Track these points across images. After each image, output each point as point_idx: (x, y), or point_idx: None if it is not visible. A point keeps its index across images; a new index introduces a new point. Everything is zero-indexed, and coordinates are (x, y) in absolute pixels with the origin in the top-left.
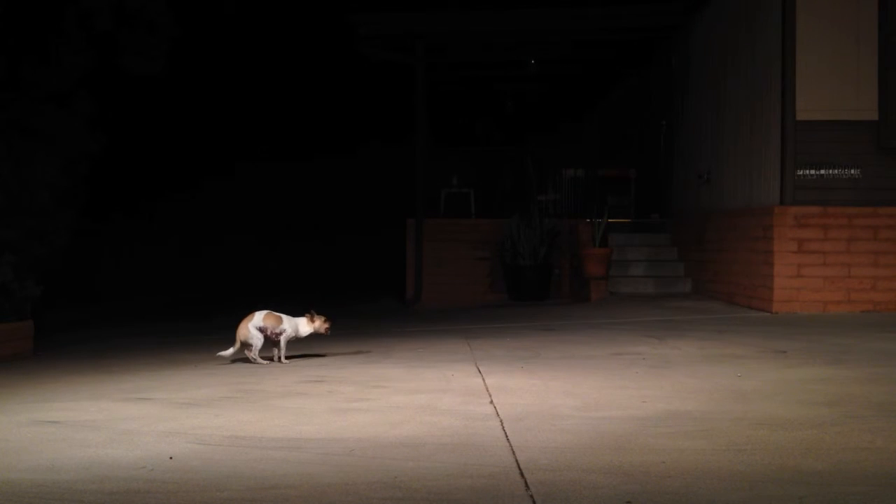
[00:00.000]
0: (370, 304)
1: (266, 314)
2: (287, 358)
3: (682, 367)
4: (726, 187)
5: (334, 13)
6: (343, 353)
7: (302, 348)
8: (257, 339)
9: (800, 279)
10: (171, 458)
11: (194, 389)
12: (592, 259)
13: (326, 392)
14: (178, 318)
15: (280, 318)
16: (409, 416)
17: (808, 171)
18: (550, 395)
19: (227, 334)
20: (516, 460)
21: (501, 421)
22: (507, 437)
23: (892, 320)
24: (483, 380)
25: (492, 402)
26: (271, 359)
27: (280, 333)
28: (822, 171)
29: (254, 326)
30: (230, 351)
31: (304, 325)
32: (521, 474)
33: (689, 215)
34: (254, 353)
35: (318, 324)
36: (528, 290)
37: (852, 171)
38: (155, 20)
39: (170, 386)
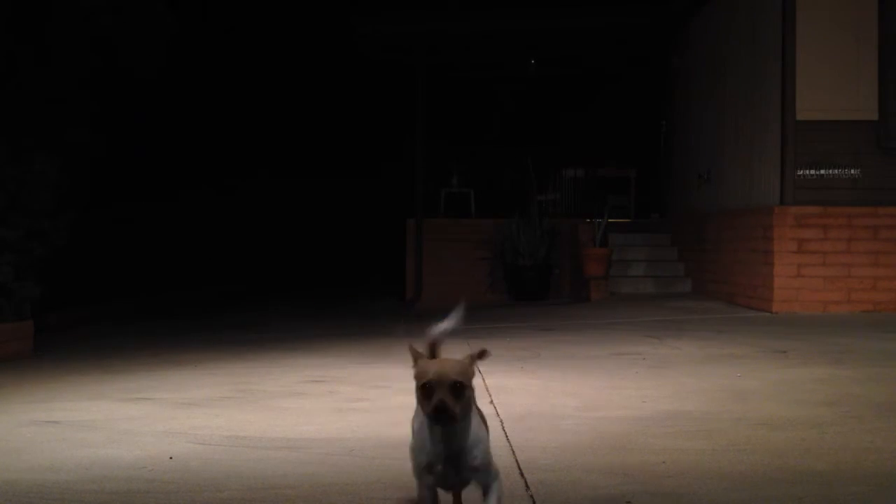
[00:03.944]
0: (370, 303)
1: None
2: (286, 358)
3: (682, 367)
4: (726, 187)
5: (334, 13)
6: (343, 353)
7: (299, 348)
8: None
9: (800, 279)
10: (171, 458)
11: (194, 389)
12: (592, 259)
13: (326, 392)
14: (179, 317)
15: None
16: (410, 416)
17: (808, 171)
18: (550, 395)
19: (229, 334)
20: (516, 460)
21: (501, 421)
22: (507, 436)
23: (892, 320)
24: (483, 380)
25: (492, 401)
26: None
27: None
28: (822, 171)
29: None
30: None
31: None
32: (521, 474)
33: (689, 215)
34: None
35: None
36: (528, 290)
37: (852, 171)
38: (155, 20)
39: (170, 386)
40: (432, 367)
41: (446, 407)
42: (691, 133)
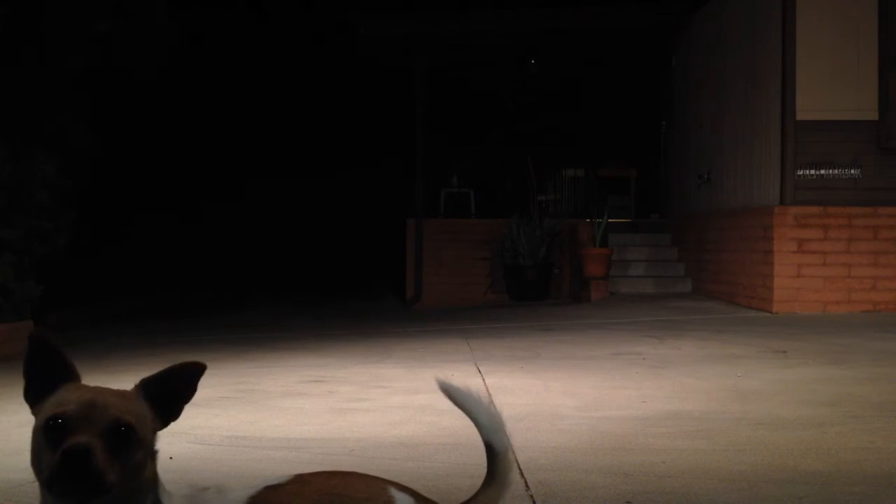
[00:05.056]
0: (370, 303)
1: None
2: (286, 358)
3: (682, 367)
4: (726, 187)
5: (334, 14)
6: (343, 353)
7: (299, 348)
8: None
9: (800, 279)
10: (171, 458)
11: None
12: (592, 259)
13: (326, 392)
14: (178, 317)
15: None
16: (409, 416)
17: (808, 171)
18: (550, 395)
19: (228, 334)
20: (516, 460)
21: None
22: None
23: (892, 320)
24: (483, 380)
25: (492, 402)
26: None
27: None
28: (822, 171)
29: None
30: None
31: None
32: (521, 474)
33: (689, 215)
34: None
35: None
36: (528, 290)
37: (852, 171)
38: (155, 20)
39: None
40: (78, 395)
41: (89, 455)
42: (691, 133)
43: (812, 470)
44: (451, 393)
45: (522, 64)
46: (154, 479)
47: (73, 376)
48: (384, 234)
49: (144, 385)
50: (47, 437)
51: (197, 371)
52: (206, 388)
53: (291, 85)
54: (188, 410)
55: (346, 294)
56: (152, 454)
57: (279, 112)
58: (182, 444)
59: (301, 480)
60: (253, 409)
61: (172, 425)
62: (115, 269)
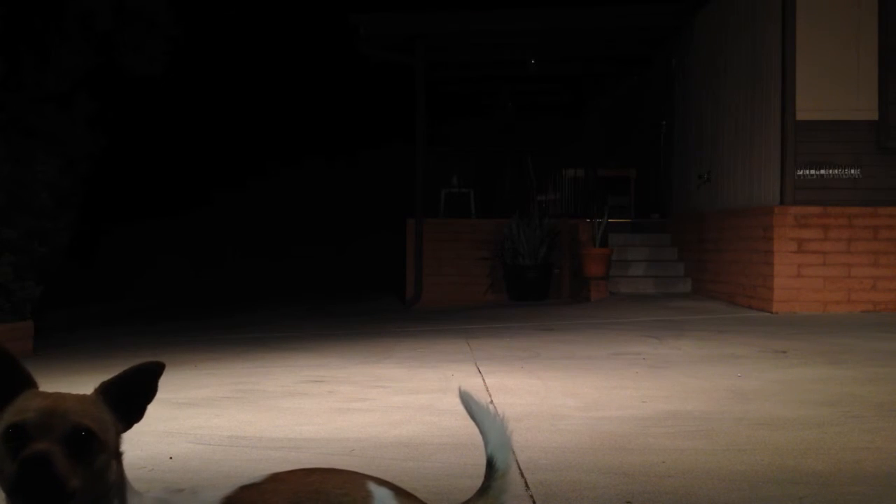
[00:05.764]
0: (370, 303)
1: None
2: (287, 358)
3: (682, 367)
4: (726, 187)
5: (335, 14)
6: (343, 353)
7: (299, 348)
8: None
9: (800, 279)
10: (171, 458)
11: (194, 389)
12: (592, 259)
13: (326, 392)
14: (178, 318)
15: None
16: (409, 416)
17: (808, 171)
18: (550, 395)
19: (228, 334)
20: (516, 460)
21: None
22: None
23: (892, 320)
24: (483, 380)
25: (492, 402)
26: None
27: None
28: (822, 171)
29: None
30: None
31: None
32: (522, 474)
33: (689, 215)
34: None
35: None
36: (528, 290)
37: (852, 171)
38: (155, 20)
39: (170, 386)
40: (37, 402)
41: (48, 462)
42: (691, 133)
43: (812, 470)
44: (469, 405)
45: (522, 64)
46: (121, 482)
47: (30, 383)
48: (384, 233)
49: (105, 388)
50: (7, 446)
51: (156, 370)
52: (206, 388)
53: (289, 83)
54: (188, 410)
55: (345, 294)
56: (118, 457)
57: (279, 111)
58: (182, 444)
59: (277, 479)
60: (253, 409)
61: (172, 425)
62: (115, 270)
